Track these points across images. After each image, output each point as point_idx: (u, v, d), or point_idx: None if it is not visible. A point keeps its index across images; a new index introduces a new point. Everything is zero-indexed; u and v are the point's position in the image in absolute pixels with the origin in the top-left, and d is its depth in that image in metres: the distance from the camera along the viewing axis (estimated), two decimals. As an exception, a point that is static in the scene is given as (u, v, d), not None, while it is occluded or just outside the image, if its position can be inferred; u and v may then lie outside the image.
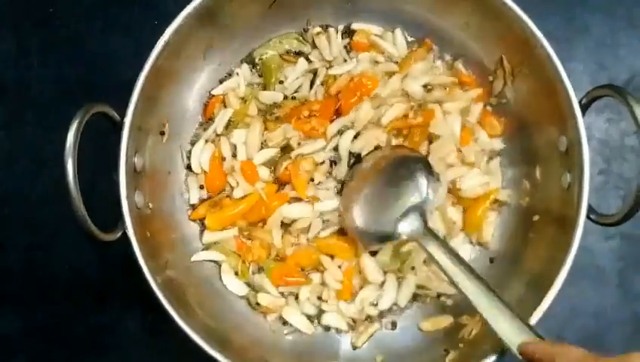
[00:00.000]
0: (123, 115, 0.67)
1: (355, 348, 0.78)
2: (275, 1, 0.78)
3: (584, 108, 0.68)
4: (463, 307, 0.76)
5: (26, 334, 0.82)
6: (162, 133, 0.77)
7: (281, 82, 0.82)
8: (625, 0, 0.87)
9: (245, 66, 0.83)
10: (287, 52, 0.83)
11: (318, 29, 0.83)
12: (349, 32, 0.83)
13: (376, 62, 0.83)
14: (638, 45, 0.86)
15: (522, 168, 0.79)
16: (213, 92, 0.82)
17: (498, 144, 0.81)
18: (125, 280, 0.80)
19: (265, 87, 0.83)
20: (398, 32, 0.82)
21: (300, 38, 0.83)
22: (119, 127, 0.67)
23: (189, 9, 0.70)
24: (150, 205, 0.73)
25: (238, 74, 0.83)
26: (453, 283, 0.66)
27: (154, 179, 0.75)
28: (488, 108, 0.82)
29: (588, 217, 0.67)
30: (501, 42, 0.75)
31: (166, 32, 0.69)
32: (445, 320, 0.77)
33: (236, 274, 0.79)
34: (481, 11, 0.73)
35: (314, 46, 0.83)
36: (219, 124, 0.81)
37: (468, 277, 0.65)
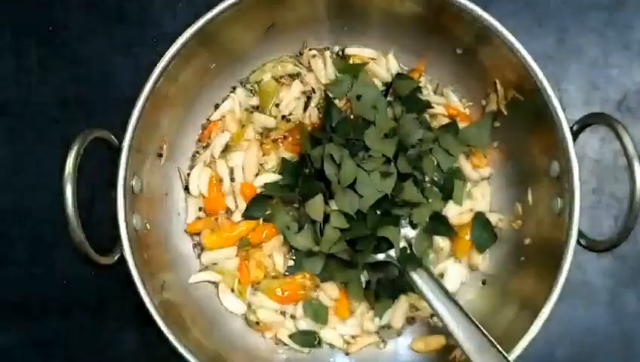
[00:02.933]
0: (121, 138, 0.67)
1: (347, 353, 0.79)
2: (272, 25, 0.78)
3: (575, 135, 0.69)
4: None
5: (24, 348, 0.83)
6: (160, 155, 0.77)
7: (277, 105, 0.82)
8: (617, 22, 0.87)
9: (241, 90, 0.83)
10: (282, 76, 0.83)
11: (314, 52, 0.83)
12: (343, 56, 0.83)
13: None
14: (630, 66, 0.87)
15: (514, 191, 0.79)
16: (211, 118, 0.82)
17: (485, 172, 0.82)
18: (123, 295, 0.81)
19: (262, 110, 0.83)
20: (391, 57, 0.83)
21: (296, 61, 0.84)
22: (117, 149, 0.68)
23: (187, 33, 0.69)
24: (148, 226, 0.73)
25: (234, 98, 0.83)
26: (436, 314, 0.68)
27: (151, 200, 0.75)
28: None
29: (578, 242, 0.67)
30: (494, 67, 0.76)
31: (164, 56, 0.69)
32: (437, 341, 0.77)
33: (232, 291, 0.80)
34: (473, 37, 0.74)
35: (309, 69, 0.83)
36: (216, 147, 0.81)
37: (449, 308, 0.67)
